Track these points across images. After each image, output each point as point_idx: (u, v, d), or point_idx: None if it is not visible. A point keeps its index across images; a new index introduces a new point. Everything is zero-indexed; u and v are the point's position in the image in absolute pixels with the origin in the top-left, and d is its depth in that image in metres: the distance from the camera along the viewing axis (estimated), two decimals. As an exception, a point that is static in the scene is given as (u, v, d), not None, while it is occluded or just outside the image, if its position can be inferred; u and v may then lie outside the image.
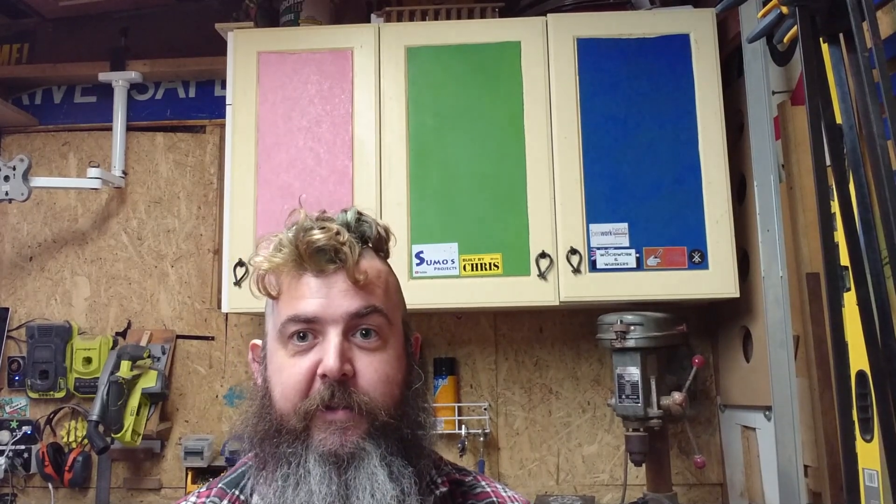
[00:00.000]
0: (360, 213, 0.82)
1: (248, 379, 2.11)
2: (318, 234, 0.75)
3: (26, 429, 2.11)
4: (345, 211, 0.81)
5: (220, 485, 0.82)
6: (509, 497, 0.84)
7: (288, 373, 0.74)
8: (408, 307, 0.86)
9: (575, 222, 1.76)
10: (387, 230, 0.84)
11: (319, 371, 0.73)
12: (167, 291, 2.20)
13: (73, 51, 2.33)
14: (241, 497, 0.79)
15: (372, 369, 0.74)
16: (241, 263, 1.80)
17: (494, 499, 0.83)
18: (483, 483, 0.85)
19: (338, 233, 0.76)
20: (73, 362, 2.11)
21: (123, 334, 2.18)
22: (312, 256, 0.75)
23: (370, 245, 0.81)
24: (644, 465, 1.76)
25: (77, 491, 2.11)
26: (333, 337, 0.73)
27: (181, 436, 2.12)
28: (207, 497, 0.81)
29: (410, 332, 0.84)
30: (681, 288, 1.73)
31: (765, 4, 1.07)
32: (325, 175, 1.83)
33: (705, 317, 2.06)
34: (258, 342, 0.83)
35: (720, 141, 1.77)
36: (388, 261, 0.84)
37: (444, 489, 0.79)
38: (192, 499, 0.81)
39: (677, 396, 1.69)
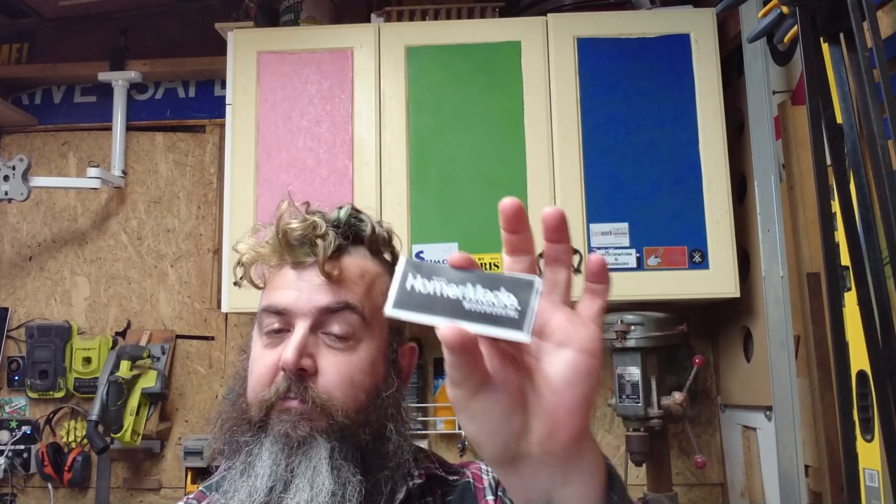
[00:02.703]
0: (357, 212, 0.80)
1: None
2: (294, 225, 0.74)
3: (26, 429, 2.11)
4: (340, 207, 0.79)
5: (201, 488, 0.82)
6: (485, 469, 0.81)
7: (258, 364, 0.74)
8: None
9: (575, 222, 1.76)
10: (389, 232, 0.82)
11: (279, 363, 0.72)
12: (167, 291, 2.20)
13: (73, 51, 2.33)
14: (221, 500, 0.78)
15: (335, 369, 0.72)
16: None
17: (470, 480, 0.80)
18: (463, 470, 0.82)
19: (315, 225, 0.74)
20: (73, 362, 2.11)
21: (123, 334, 2.17)
22: (289, 247, 0.74)
23: (365, 244, 0.79)
24: (644, 465, 1.76)
25: (76, 491, 2.11)
26: (298, 331, 0.72)
27: (181, 436, 2.11)
28: (187, 501, 0.80)
29: (398, 339, 0.81)
30: (681, 288, 1.73)
31: (765, 4, 1.07)
32: (325, 175, 1.83)
33: (706, 317, 2.05)
34: None
35: (720, 141, 1.77)
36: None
37: (419, 481, 0.77)
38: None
39: (678, 396, 1.68)
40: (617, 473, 0.49)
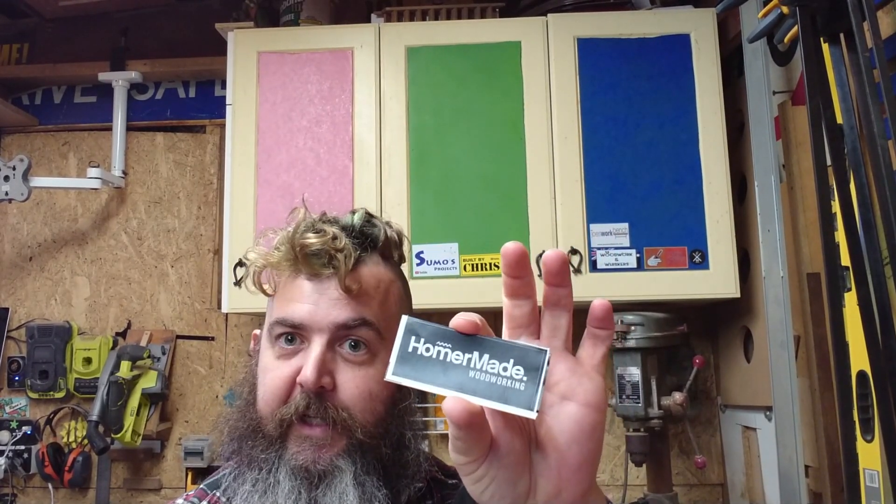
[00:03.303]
0: (369, 216, 0.79)
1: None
2: (312, 238, 0.72)
3: (26, 429, 2.11)
4: (353, 212, 0.78)
5: (202, 486, 0.82)
6: None
7: (271, 375, 0.73)
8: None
9: (575, 222, 1.76)
10: (399, 234, 0.81)
11: (298, 379, 0.70)
12: (167, 291, 2.20)
13: (73, 51, 2.33)
14: (223, 499, 0.78)
15: (353, 384, 0.71)
16: (241, 263, 1.80)
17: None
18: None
19: (334, 238, 0.73)
20: (73, 362, 2.11)
21: (123, 334, 2.17)
22: (306, 259, 0.72)
23: (377, 250, 0.78)
24: (644, 465, 1.76)
25: (77, 491, 2.11)
26: (316, 347, 0.71)
27: (181, 436, 2.12)
28: (187, 498, 0.80)
29: None
30: (681, 288, 1.73)
31: (765, 4, 1.07)
32: (325, 175, 1.83)
33: (706, 317, 2.05)
34: (258, 332, 0.81)
35: (721, 141, 1.77)
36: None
37: (420, 485, 0.77)
38: (179, 500, 0.80)
39: (678, 396, 1.68)
40: None
